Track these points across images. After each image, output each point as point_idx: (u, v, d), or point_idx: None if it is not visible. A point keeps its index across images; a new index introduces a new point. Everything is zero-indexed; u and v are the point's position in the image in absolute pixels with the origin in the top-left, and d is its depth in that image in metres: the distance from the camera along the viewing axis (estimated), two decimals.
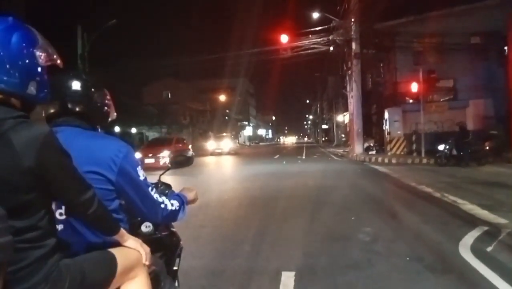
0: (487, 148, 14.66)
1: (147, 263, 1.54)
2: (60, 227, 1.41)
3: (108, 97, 1.72)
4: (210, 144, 30.40)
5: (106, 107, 1.70)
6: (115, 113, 1.79)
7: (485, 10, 20.75)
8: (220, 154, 28.51)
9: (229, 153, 29.17)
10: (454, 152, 14.30)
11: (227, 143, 30.51)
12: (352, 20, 20.62)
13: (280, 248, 4.43)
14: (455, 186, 9.08)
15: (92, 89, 1.63)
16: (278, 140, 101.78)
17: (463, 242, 4.35)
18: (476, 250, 4.07)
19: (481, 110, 19.36)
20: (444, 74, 20.57)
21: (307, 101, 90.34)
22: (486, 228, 4.95)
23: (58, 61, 1.41)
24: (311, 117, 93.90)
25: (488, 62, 20.90)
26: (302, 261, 3.93)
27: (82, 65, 20.61)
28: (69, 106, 1.55)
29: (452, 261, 3.81)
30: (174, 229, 2.09)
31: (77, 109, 1.56)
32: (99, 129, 1.72)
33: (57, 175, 1.24)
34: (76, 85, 1.57)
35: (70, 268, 1.27)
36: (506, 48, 17.15)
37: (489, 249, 4.13)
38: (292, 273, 3.55)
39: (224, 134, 34.16)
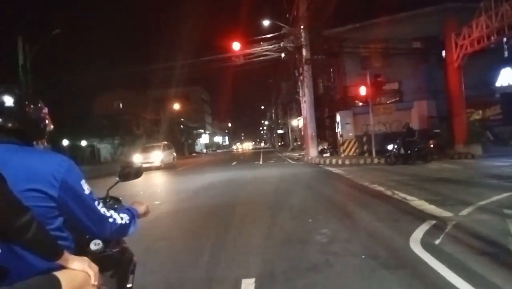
0: (432, 145, 15.57)
1: (95, 283, 1.46)
2: None
3: (44, 110, 1.63)
4: (137, 157, 23.99)
5: (42, 121, 1.60)
6: (52, 126, 1.69)
7: (424, 16, 22.17)
8: (149, 169, 21.92)
9: (160, 168, 23.39)
10: (402, 151, 15.06)
11: (157, 155, 24.35)
12: (302, 27, 21.17)
13: (239, 255, 4.40)
14: (404, 183, 9.52)
15: (26, 103, 1.53)
16: (234, 146, 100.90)
17: (414, 237, 4.56)
18: (426, 243, 4.27)
19: (424, 110, 20.48)
20: (390, 78, 21.64)
21: (262, 107, 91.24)
22: (434, 222, 5.22)
23: None
24: (266, 123, 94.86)
25: (429, 65, 22.25)
26: (262, 267, 3.92)
27: (24, 77, 19.56)
28: (0, 122, 1.45)
29: (404, 256, 3.97)
30: (125, 245, 2.00)
31: (9, 125, 1.46)
32: (45, 144, 1.62)
33: None
34: (7, 100, 1.46)
35: None
36: (443, 52, 18.38)
37: (437, 242, 4.35)
38: (252, 280, 3.54)
39: (155, 144, 26.89)
